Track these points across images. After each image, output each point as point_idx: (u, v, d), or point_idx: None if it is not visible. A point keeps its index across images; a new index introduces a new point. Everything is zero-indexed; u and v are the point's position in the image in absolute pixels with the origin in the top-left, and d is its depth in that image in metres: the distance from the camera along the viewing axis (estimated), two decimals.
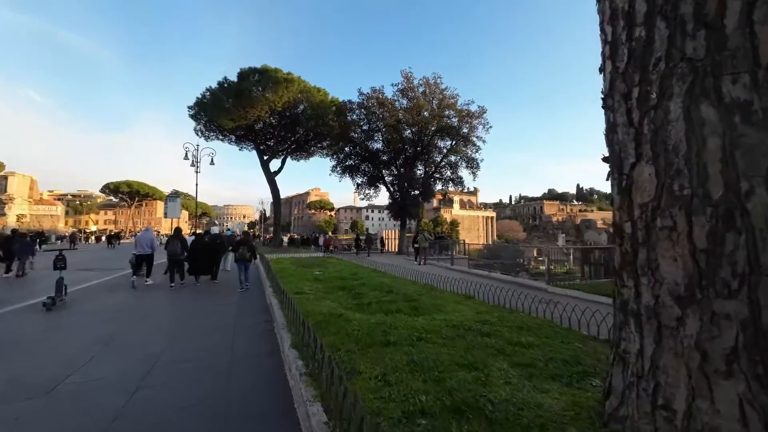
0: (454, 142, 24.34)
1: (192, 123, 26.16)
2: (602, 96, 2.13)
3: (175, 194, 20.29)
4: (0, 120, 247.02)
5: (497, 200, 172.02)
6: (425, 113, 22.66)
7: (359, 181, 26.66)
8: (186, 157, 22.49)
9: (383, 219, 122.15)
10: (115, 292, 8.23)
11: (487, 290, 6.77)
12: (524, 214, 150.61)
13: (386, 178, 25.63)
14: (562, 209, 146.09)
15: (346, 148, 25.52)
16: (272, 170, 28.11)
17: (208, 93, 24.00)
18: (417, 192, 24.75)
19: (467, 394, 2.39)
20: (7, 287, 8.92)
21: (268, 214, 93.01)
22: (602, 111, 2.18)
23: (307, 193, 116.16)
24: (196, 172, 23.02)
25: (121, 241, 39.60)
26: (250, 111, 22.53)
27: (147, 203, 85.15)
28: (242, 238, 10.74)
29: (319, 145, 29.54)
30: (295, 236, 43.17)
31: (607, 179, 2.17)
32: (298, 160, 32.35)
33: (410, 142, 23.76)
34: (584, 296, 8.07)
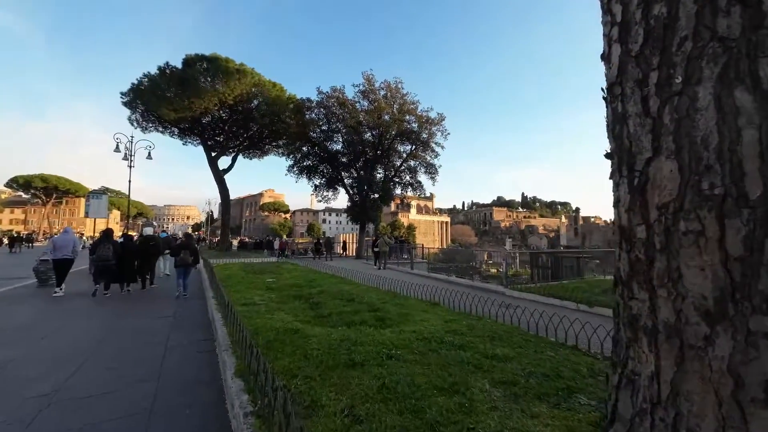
0: (413, 147, 24.55)
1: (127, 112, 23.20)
2: (606, 85, 1.91)
3: (102, 191, 17.53)
4: None
5: (451, 206, 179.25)
6: (386, 117, 22.56)
7: (317, 183, 25.73)
8: (117, 149, 19.79)
9: (341, 222, 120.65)
10: (16, 306, 6.65)
11: (449, 296, 6.59)
12: (476, 220, 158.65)
13: (345, 180, 25.04)
14: (509, 215, 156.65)
15: (304, 148, 24.48)
16: (221, 168, 25.97)
17: (146, 79, 21.41)
18: (377, 195, 24.50)
19: (453, 428, 2.01)
20: None
21: (215, 215, 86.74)
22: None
23: (261, 194, 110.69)
24: (130, 167, 20.36)
25: (33, 244, 33.78)
26: (196, 102, 20.53)
27: (68, 201, 74.47)
28: (183, 241, 9.65)
29: (274, 143, 27.99)
30: (246, 239, 40.53)
31: (611, 178, 1.95)
32: (251, 159, 30.41)
33: (370, 144, 23.49)
34: (540, 299, 8.31)
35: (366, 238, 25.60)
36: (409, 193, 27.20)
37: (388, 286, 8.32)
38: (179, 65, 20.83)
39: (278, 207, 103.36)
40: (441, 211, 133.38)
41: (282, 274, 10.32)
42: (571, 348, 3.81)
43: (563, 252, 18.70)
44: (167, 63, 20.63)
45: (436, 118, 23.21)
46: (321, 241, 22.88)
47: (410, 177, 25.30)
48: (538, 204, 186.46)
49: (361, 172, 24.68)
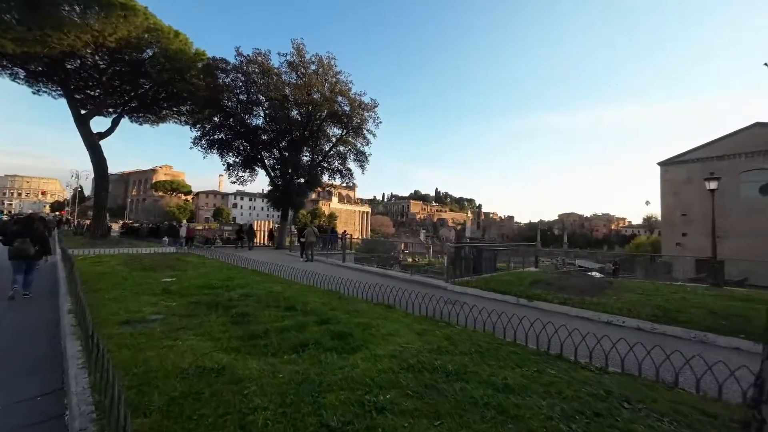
0: (344, 132, 23.10)
1: None
2: None
3: None
4: None
5: (371, 197, 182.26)
6: (316, 95, 20.55)
7: (231, 161, 22.18)
8: None
9: (254, 208, 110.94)
10: None
11: (396, 294, 5.84)
12: (394, 212, 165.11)
13: (266, 161, 22.17)
14: (424, 209, 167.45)
15: (216, 118, 20.70)
16: (95, 131, 20.10)
17: None
18: (302, 180, 22.39)
19: None
20: None
21: (87, 192, 69.93)
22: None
23: (153, 171, 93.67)
24: None
25: None
26: (54, 36, 15.03)
27: None
28: (23, 224, 6.86)
29: (175, 108, 22.96)
30: (134, 224, 33.35)
31: None
32: (142, 124, 24.47)
33: (298, 123, 21.17)
34: (482, 294, 8.24)
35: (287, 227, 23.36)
36: (337, 181, 25.75)
37: (326, 283, 7.11)
38: None
39: (177, 186, 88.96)
40: (362, 202, 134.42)
41: (186, 271, 8.07)
42: (569, 362, 3.37)
43: (483, 245, 20.05)
44: None
45: (369, 104, 22.18)
46: (244, 228, 19.70)
47: (339, 163, 23.87)
48: (449, 199, 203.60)
49: (285, 153, 22.17)
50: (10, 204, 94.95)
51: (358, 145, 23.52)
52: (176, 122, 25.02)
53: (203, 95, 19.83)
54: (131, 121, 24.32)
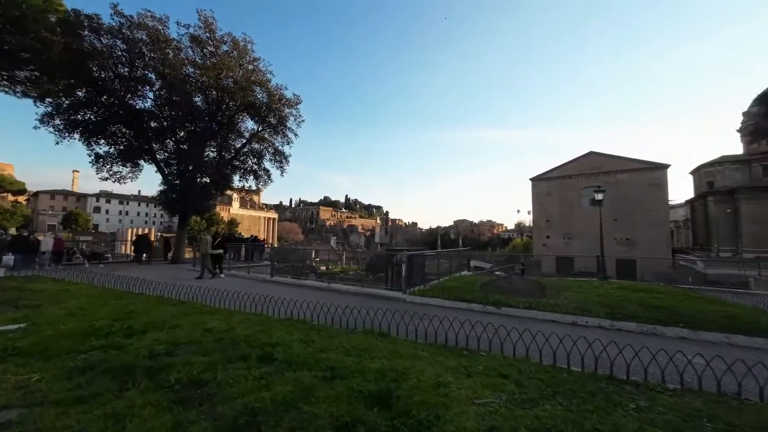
0: (260, 128, 20.33)
1: None
2: None
3: None
4: None
5: (278, 202, 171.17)
6: (228, 81, 17.48)
7: (103, 151, 16.88)
8: None
9: (127, 213, 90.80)
10: None
11: (364, 314, 4.92)
12: (303, 218, 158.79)
13: (157, 154, 17.69)
14: (334, 215, 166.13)
15: (80, 92, 15.47)
16: None
17: None
18: (208, 180, 18.64)
19: None
20: None
21: None
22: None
23: None
24: None
25: None
26: None
27: None
28: None
29: (5, 72, 16.34)
30: None
31: None
32: None
33: (202, 112, 17.58)
34: (446, 304, 7.78)
35: (183, 236, 19.02)
36: (250, 183, 22.47)
37: (277, 308, 5.49)
38: None
39: (1, 183, 65.48)
40: (267, 207, 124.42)
41: (41, 307, 5.18)
42: (635, 384, 2.96)
43: (415, 251, 20.17)
44: None
45: (292, 99, 20.07)
46: (139, 239, 14.71)
47: (254, 162, 20.84)
48: (358, 206, 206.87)
49: (183, 146, 18.12)
50: None
51: (277, 144, 21.06)
52: (6, 92, 17.91)
53: (59, 58, 14.55)
54: None
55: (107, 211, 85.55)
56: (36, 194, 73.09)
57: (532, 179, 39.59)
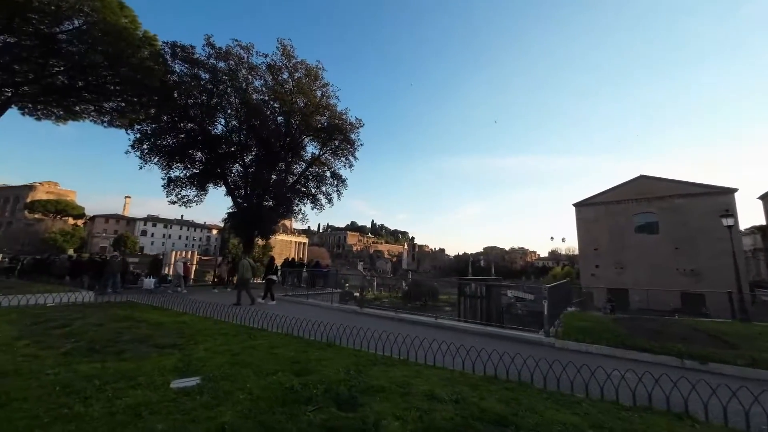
0: (321, 151, 20.30)
1: None
2: None
3: None
4: None
5: (306, 227, 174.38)
6: (300, 105, 17.68)
7: (176, 175, 17.26)
8: None
9: (169, 236, 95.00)
10: None
11: (522, 366, 3.60)
12: (331, 243, 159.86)
13: (228, 177, 17.86)
14: (361, 240, 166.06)
15: (165, 117, 16.06)
16: None
17: None
18: (272, 203, 18.48)
19: None
20: None
21: None
22: None
23: (30, 187, 74.20)
24: None
25: None
26: None
27: None
28: None
29: (97, 104, 17.41)
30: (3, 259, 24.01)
31: None
32: (40, 118, 18.05)
33: (274, 136, 17.73)
34: (618, 353, 6.16)
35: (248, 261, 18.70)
36: (307, 207, 22.21)
37: (403, 349, 4.38)
38: None
39: (65, 208, 71.27)
40: (298, 232, 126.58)
41: (184, 347, 4.39)
42: None
43: (492, 280, 18.54)
44: None
45: (354, 123, 20.05)
46: (231, 262, 13.94)
47: (314, 186, 20.64)
48: (384, 231, 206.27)
49: (251, 168, 18.24)
50: None
51: (335, 168, 20.86)
52: (94, 121, 19.13)
53: (152, 89, 15.21)
54: (22, 113, 17.80)
55: (152, 234, 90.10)
56: (93, 218, 78.50)
57: (576, 205, 37.22)
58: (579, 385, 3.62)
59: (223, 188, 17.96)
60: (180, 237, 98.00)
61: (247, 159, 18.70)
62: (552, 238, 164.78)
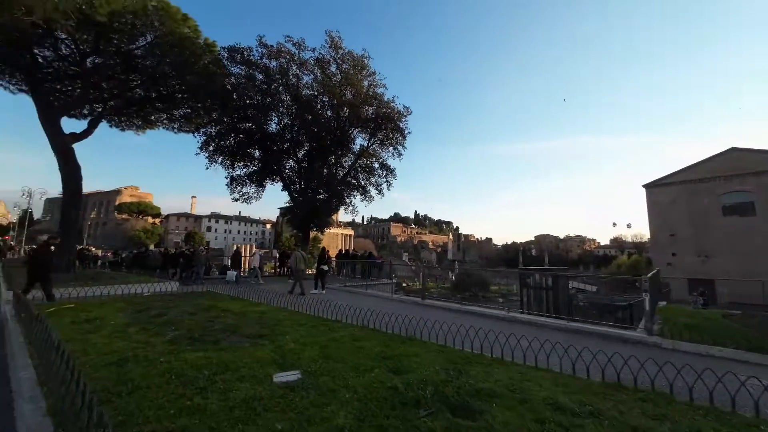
0: (370, 142, 20.18)
1: None
2: None
3: None
4: None
5: (350, 219, 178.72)
6: (348, 97, 17.66)
7: (237, 173, 18.39)
8: None
9: (230, 231, 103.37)
10: None
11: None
12: (375, 234, 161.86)
13: (284, 172, 18.57)
14: (404, 231, 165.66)
15: (226, 119, 17.05)
16: (67, 132, 15.75)
17: None
18: (324, 196, 18.88)
19: None
20: None
21: (37, 215, 61.16)
22: None
23: (118, 192, 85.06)
24: None
25: None
26: (24, 2, 11.18)
27: None
28: None
29: (168, 113, 19.05)
30: (105, 254, 27.73)
31: None
32: (124, 129, 20.20)
33: (325, 129, 17.97)
34: (755, 359, 5.22)
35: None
36: (357, 200, 22.37)
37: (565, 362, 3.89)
38: None
39: (145, 209, 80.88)
40: (343, 225, 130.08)
41: (270, 338, 4.45)
42: None
43: (558, 271, 17.21)
44: None
45: (402, 111, 19.57)
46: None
47: (364, 178, 20.67)
48: (428, 222, 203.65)
49: (304, 163, 18.76)
50: None
51: (384, 158, 20.62)
52: (166, 128, 21.03)
53: (214, 94, 16.22)
54: (110, 126, 20.04)
55: (216, 230, 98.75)
56: (167, 216, 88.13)
57: (648, 186, 32.54)
58: (720, 397, 2.93)
59: (278, 184, 18.74)
60: (239, 232, 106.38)
61: (300, 154, 19.25)
62: (615, 225, 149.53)
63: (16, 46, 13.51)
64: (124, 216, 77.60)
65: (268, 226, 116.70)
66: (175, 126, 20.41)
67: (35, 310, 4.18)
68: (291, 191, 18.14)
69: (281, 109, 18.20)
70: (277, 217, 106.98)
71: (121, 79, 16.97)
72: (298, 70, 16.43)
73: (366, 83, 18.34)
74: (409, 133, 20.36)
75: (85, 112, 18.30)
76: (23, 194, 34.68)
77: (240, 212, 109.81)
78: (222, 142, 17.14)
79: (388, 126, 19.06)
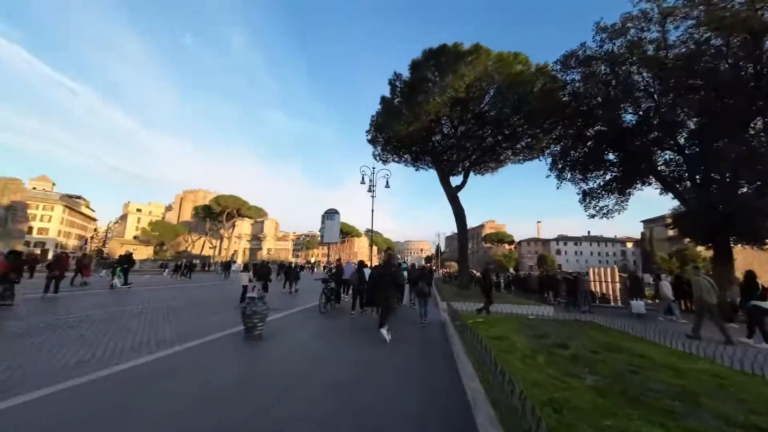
0: None
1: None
2: None
3: (335, 210, 16.71)
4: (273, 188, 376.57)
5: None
6: None
7: (589, 187, 16.12)
8: (363, 182, 19.36)
9: (581, 253, 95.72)
10: None
11: None
12: None
13: (660, 168, 13.92)
14: None
15: (571, 130, 15.90)
16: (453, 185, 21.75)
17: (380, 105, 20.93)
18: (750, 189, 11.66)
19: None
20: None
21: (442, 248, 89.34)
22: None
23: (482, 226, 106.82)
24: (372, 197, 19.45)
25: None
26: (425, 107, 17.15)
27: (348, 240, 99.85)
28: (420, 272, 8.62)
29: (516, 146, 21.05)
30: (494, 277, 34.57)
31: None
32: (483, 174, 24.84)
33: (731, 83, 11.59)
34: None
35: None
36: None
37: None
38: (407, 73, 18.68)
39: (502, 237, 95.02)
40: None
41: None
42: None
43: None
44: (396, 74, 18.97)
45: None
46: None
47: None
48: None
49: (694, 148, 12.91)
50: (407, 259, 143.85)
51: None
52: (513, 162, 23.36)
53: (551, 111, 15.92)
54: (474, 174, 25.34)
55: (565, 252, 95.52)
56: (519, 243, 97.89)
57: None
58: None
59: (643, 190, 14.14)
60: (591, 253, 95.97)
61: (680, 138, 13.68)
62: None
63: (422, 138, 20.82)
64: (488, 245, 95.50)
65: (629, 244, 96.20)
66: (520, 158, 22.19)
67: (464, 320, 5.08)
68: (676, 191, 12.95)
69: (636, 95, 14.23)
70: (642, 233, 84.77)
71: (477, 135, 21.20)
72: (659, 27, 12.10)
73: None
74: None
75: (459, 169, 24.53)
76: (436, 234, 52.67)
77: (589, 232, 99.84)
78: (569, 158, 15.98)
79: None
